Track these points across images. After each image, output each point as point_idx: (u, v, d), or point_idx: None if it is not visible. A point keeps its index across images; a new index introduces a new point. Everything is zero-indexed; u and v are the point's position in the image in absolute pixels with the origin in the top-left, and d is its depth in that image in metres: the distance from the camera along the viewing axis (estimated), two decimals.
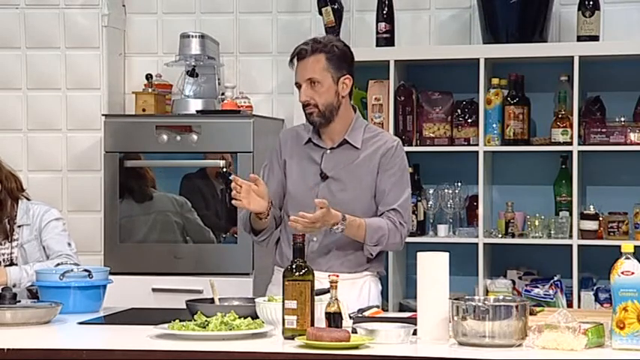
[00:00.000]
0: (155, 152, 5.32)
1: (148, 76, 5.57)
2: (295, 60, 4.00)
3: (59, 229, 4.35)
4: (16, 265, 4.27)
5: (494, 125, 5.18)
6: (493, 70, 5.28)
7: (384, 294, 5.17)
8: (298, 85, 3.98)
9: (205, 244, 5.28)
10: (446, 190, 5.26)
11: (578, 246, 5.04)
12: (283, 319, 3.26)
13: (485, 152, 5.19)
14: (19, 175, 4.48)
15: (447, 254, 3.25)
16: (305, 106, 3.96)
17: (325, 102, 3.95)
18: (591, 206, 5.12)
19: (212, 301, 3.67)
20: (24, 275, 4.12)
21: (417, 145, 5.29)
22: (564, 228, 5.12)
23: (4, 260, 4.29)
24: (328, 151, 4.02)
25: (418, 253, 3.27)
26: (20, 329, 3.52)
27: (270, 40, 5.73)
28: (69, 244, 4.34)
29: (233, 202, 3.89)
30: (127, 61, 5.83)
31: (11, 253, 4.30)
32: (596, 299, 5.04)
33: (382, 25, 5.34)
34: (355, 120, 4.04)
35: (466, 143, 5.25)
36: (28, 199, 4.42)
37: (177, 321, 3.31)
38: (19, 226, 4.33)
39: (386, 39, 5.34)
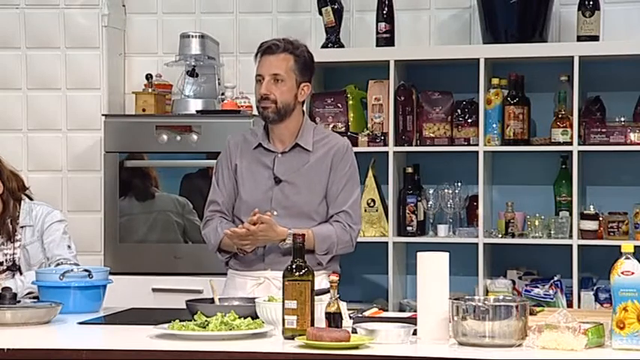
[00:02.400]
0: (155, 152, 5.33)
1: (148, 76, 5.57)
2: (262, 54, 4.02)
3: (60, 232, 4.35)
4: (19, 266, 4.27)
5: (494, 125, 5.18)
6: (493, 70, 5.28)
7: (384, 294, 5.19)
8: (260, 78, 4.00)
9: (205, 244, 5.26)
10: (446, 190, 5.25)
11: (578, 246, 5.04)
12: (283, 319, 3.26)
13: (485, 152, 5.18)
14: (20, 174, 4.48)
15: (447, 254, 3.25)
16: (262, 99, 3.98)
17: (284, 100, 3.98)
18: (591, 206, 5.12)
19: (212, 301, 3.67)
20: (19, 285, 4.11)
21: (417, 145, 5.29)
22: (564, 228, 5.12)
23: (6, 261, 4.28)
24: (280, 155, 4.05)
25: (418, 253, 3.27)
26: (20, 329, 3.52)
27: None
28: (68, 247, 4.33)
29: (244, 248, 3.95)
30: (127, 61, 5.83)
31: (14, 254, 4.29)
32: (596, 299, 5.03)
33: (382, 25, 5.34)
34: (304, 123, 4.08)
35: (466, 143, 5.24)
36: (30, 199, 4.41)
37: (177, 321, 3.31)
38: (22, 227, 4.32)
39: (386, 39, 5.34)
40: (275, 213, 3.96)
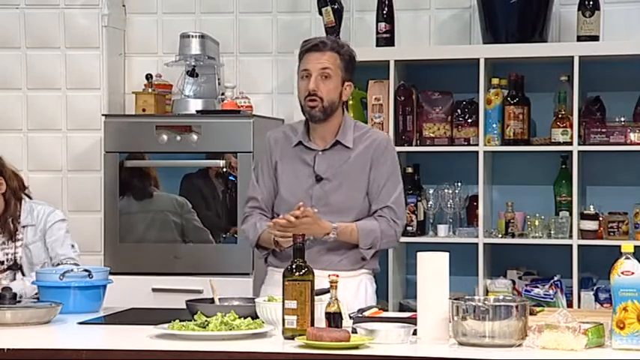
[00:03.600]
0: (155, 152, 5.32)
1: (148, 76, 5.57)
2: (307, 51, 4.00)
3: (63, 231, 4.36)
4: (20, 265, 4.27)
5: (494, 125, 5.18)
6: (493, 70, 5.28)
7: (384, 294, 5.19)
8: (306, 74, 3.98)
9: (205, 244, 5.28)
10: (446, 190, 5.25)
11: (578, 246, 5.04)
12: (283, 319, 3.26)
13: (485, 152, 5.18)
14: (20, 173, 4.49)
15: (447, 254, 3.25)
16: (310, 95, 3.96)
17: (330, 98, 3.97)
18: (591, 206, 5.12)
19: (212, 301, 3.67)
20: (27, 285, 4.12)
21: (417, 145, 5.29)
22: (564, 228, 5.12)
23: (7, 260, 4.28)
24: (320, 153, 4.04)
25: (418, 253, 3.27)
26: (20, 329, 3.52)
27: (270, 40, 5.73)
28: (72, 246, 4.35)
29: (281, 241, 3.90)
30: (127, 61, 5.83)
31: (15, 254, 4.29)
32: (596, 299, 5.03)
33: (382, 25, 5.34)
34: (345, 120, 4.07)
35: (466, 143, 5.25)
36: (30, 197, 4.42)
37: (177, 321, 3.31)
38: (24, 227, 4.33)
39: (386, 39, 5.34)
40: (316, 210, 3.94)
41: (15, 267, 4.28)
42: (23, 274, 4.26)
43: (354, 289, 3.98)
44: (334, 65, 3.97)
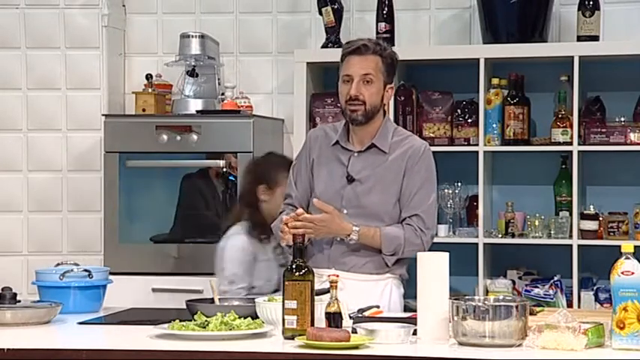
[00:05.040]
0: (155, 152, 5.32)
1: (148, 76, 5.57)
2: (349, 54, 3.98)
3: None
4: None
5: (494, 125, 5.18)
6: (493, 70, 5.28)
7: None
8: (348, 79, 3.95)
9: (205, 244, 5.27)
10: (446, 190, 5.25)
11: (578, 246, 5.04)
12: (283, 319, 3.26)
13: (485, 152, 5.18)
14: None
15: (447, 254, 3.25)
16: (351, 100, 3.93)
17: (372, 102, 3.94)
18: (591, 206, 5.12)
19: (212, 301, 3.67)
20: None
21: None
22: (564, 228, 5.12)
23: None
24: (356, 154, 4.01)
25: (418, 253, 3.28)
26: (20, 329, 3.52)
27: (270, 40, 5.73)
28: None
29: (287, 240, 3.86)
30: (127, 61, 5.83)
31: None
32: (596, 299, 5.04)
33: (382, 25, 5.34)
34: (384, 124, 4.03)
35: (466, 143, 5.25)
36: None
37: (177, 321, 3.31)
38: None
39: (386, 39, 5.32)
40: (345, 212, 3.93)
41: None
42: None
43: (379, 293, 3.96)
44: (376, 69, 3.94)
